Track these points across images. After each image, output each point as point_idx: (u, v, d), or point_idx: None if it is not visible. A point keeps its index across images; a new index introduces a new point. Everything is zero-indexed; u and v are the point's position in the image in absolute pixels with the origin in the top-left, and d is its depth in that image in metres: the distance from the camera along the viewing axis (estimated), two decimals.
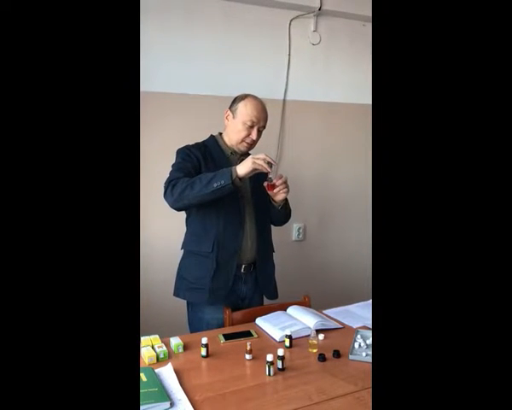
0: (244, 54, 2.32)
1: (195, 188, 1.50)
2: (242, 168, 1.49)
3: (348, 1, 2.42)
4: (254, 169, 1.49)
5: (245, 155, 1.70)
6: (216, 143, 1.74)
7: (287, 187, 1.63)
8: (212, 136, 1.77)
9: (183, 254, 1.77)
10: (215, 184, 1.48)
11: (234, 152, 1.72)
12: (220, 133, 1.77)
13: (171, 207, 1.57)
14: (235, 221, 1.68)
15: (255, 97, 1.70)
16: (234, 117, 1.68)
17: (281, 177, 1.62)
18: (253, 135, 1.67)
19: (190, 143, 1.72)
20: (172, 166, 1.66)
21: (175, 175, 1.59)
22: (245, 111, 1.66)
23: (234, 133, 1.69)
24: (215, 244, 1.65)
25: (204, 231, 1.67)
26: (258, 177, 1.65)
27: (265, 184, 1.61)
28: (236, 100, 1.70)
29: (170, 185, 1.54)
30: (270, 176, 1.59)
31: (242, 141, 1.68)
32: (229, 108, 1.72)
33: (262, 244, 1.76)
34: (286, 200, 1.73)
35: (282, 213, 1.76)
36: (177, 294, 1.75)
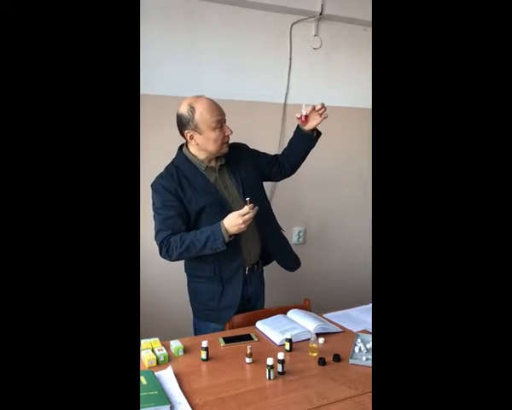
0: (245, 58, 2.33)
1: (191, 252, 1.56)
2: (235, 229, 1.50)
3: (349, 6, 2.43)
4: (246, 224, 1.49)
5: (220, 157, 1.67)
6: (187, 161, 1.65)
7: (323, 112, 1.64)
8: (180, 152, 1.68)
9: (188, 279, 1.77)
10: (210, 250, 1.54)
11: (208, 165, 1.66)
12: (186, 146, 1.67)
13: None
14: (233, 239, 1.58)
15: (198, 99, 1.58)
16: (201, 132, 1.58)
17: (313, 108, 1.63)
18: (227, 131, 1.61)
19: (162, 170, 1.65)
20: (153, 209, 1.61)
21: (163, 234, 1.57)
22: (207, 117, 1.56)
23: (211, 145, 1.60)
24: (216, 267, 1.65)
25: (202, 256, 1.61)
26: (249, 180, 1.69)
27: (298, 116, 1.66)
28: (187, 116, 1.57)
29: (163, 248, 1.57)
30: (302, 113, 1.64)
31: (222, 144, 1.62)
32: (185, 131, 1.60)
33: (268, 238, 1.75)
34: (317, 134, 1.74)
35: (307, 142, 1.74)
36: (195, 315, 1.78)
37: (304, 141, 1.74)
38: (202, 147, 1.62)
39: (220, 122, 1.59)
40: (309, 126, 1.68)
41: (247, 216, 1.47)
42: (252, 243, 1.71)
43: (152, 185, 1.63)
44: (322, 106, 1.63)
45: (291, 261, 1.85)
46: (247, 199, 1.49)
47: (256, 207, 1.49)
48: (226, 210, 1.57)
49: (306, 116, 1.64)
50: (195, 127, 1.57)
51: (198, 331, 1.74)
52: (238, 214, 1.48)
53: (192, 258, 1.65)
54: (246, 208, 1.48)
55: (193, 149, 1.65)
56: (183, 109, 1.58)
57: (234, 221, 1.49)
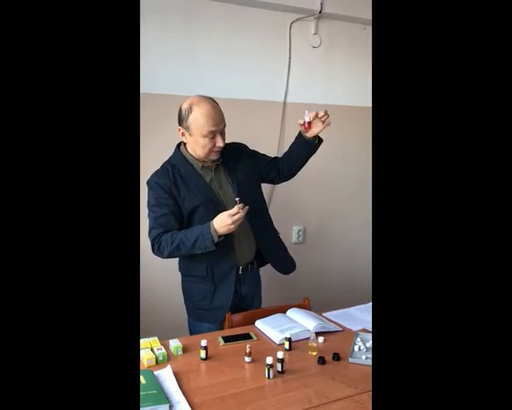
0: (244, 56, 2.32)
1: (181, 251, 1.56)
2: (224, 230, 1.49)
3: (348, 4, 2.43)
4: (235, 224, 1.48)
5: (217, 160, 1.66)
6: (183, 159, 1.64)
7: (325, 119, 1.61)
8: (177, 150, 1.67)
9: (181, 278, 1.77)
10: (199, 250, 1.54)
11: (204, 165, 1.64)
12: (184, 143, 1.66)
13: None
14: (225, 239, 1.56)
15: (201, 101, 1.55)
16: (191, 134, 1.56)
17: (316, 114, 1.60)
18: (219, 142, 1.56)
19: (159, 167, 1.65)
20: (148, 206, 1.61)
21: (156, 232, 1.57)
22: (199, 123, 1.53)
23: (198, 149, 1.58)
24: (208, 267, 1.64)
25: (194, 255, 1.60)
26: (246, 181, 1.66)
27: (301, 123, 1.63)
28: (183, 114, 1.56)
29: (155, 245, 1.57)
30: (305, 120, 1.61)
31: (210, 152, 1.58)
32: (180, 124, 1.59)
33: (262, 241, 1.74)
34: (319, 141, 1.70)
35: (309, 149, 1.71)
36: (189, 314, 1.78)
37: (305, 148, 1.72)
38: (191, 147, 1.62)
39: (213, 133, 1.54)
40: (311, 133, 1.65)
41: (236, 216, 1.46)
42: (246, 243, 1.69)
43: (147, 182, 1.62)
44: (325, 113, 1.60)
45: (285, 265, 1.84)
46: (237, 199, 1.49)
47: (246, 207, 1.48)
48: (219, 210, 1.55)
49: (309, 123, 1.62)
50: (187, 128, 1.57)
51: (193, 331, 1.74)
52: (228, 215, 1.47)
53: (185, 257, 1.66)
54: (235, 209, 1.47)
55: (189, 147, 1.64)
56: (185, 106, 1.57)
57: (223, 221, 1.48)
